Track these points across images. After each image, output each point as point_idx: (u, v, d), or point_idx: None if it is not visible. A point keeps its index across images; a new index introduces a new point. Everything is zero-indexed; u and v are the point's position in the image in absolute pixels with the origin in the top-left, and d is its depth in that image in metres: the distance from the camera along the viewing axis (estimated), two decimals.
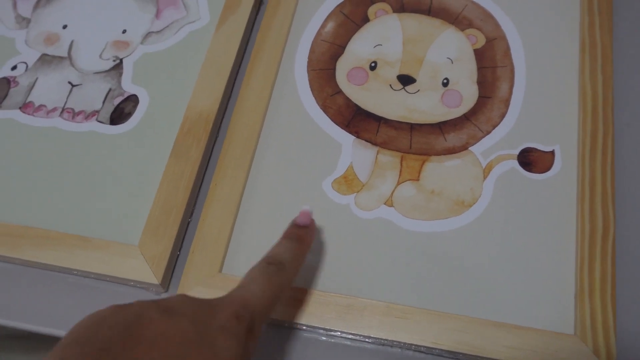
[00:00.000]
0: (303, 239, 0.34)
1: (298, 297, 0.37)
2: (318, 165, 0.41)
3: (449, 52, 0.45)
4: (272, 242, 0.34)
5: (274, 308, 0.31)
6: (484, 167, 0.40)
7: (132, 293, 0.39)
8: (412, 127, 0.42)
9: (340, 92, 0.44)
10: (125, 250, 0.39)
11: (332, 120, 0.43)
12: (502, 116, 0.42)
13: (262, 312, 0.30)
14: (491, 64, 0.44)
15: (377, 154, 0.41)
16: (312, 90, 0.44)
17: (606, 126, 0.41)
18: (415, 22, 0.47)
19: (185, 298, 0.29)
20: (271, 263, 0.32)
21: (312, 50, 0.46)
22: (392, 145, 0.42)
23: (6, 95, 0.47)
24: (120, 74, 0.47)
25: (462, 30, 0.46)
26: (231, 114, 0.44)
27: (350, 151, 0.41)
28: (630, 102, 0.43)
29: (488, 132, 0.41)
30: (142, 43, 0.48)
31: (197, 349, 0.26)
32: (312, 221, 0.35)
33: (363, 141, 0.42)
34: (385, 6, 0.48)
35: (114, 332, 0.26)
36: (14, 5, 0.51)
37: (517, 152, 0.41)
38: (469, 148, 0.41)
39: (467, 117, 0.42)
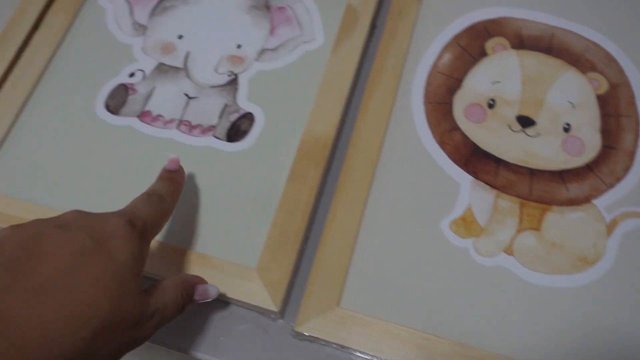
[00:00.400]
0: (175, 179, 0.39)
1: (410, 339, 0.37)
2: (435, 203, 0.42)
3: (570, 95, 0.45)
4: (393, 277, 0.38)
5: (161, 228, 0.36)
6: (607, 222, 0.40)
7: (246, 316, 0.40)
8: (532, 173, 0.42)
9: (457, 128, 0.45)
10: (243, 272, 0.40)
11: (450, 157, 0.43)
12: (627, 170, 0.42)
13: (151, 223, 0.34)
14: (615, 113, 0.44)
15: (496, 197, 0.42)
16: (429, 123, 0.45)
17: None
18: (535, 61, 0.47)
19: (78, 213, 0.32)
20: (151, 195, 0.36)
21: (428, 82, 0.47)
22: (512, 190, 0.42)
23: (125, 102, 0.48)
24: (236, 90, 0.48)
25: (584, 73, 0.46)
26: (347, 140, 0.45)
27: (469, 192, 0.42)
28: None
29: (612, 186, 0.41)
30: (257, 60, 0.49)
31: (95, 255, 0.29)
32: (181, 167, 0.40)
33: (482, 183, 0.42)
34: (504, 41, 0.48)
35: (14, 251, 0.28)
36: (131, 11, 0.52)
37: None
38: (592, 201, 0.41)
39: (589, 167, 0.42)
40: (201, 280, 0.37)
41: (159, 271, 0.40)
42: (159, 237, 0.42)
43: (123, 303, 0.29)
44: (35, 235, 0.29)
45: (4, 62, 0.49)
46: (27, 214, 0.43)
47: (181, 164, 0.41)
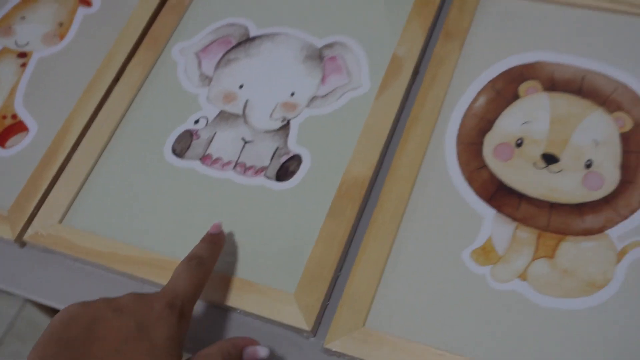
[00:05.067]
0: (215, 241, 0.50)
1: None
2: (459, 235, 0.53)
3: (595, 134, 0.55)
4: (415, 301, 0.50)
5: (200, 294, 0.47)
6: (618, 251, 0.50)
7: (283, 334, 0.52)
8: (552, 206, 0.53)
9: (485, 166, 0.56)
10: (283, 297, 0.53)
11: (476, 193, 0.55)
12: None
13: (190, 299, 0.45)
14: (636, 149, 0.54)
15: (516, 229, 0.53)
16: (459, 162, 0.57)
17: None
18: (565, 102, 0.57)
19: (131, 297, 0.44)
20: (192, 259, 0.48)
21: (462, 124, 0.58)
22: (531, 222, 0.53)
23: (189, 146, 0.63)
24: (287, 134, 0.62)
25: (611, 112, 0.56)
26: (384, 178, 0.57)
27: (491, 225, 0.53)
28: None
29: (626, 217, 0.51)
30: (307, 106, 0.63)
31: (137, 340, 0.41)
32: (222, 230, 0.52)
33: (504, 216, 0.53)
34: (537, 84, 0.59)
35: (79, 331, 0.41)
36: (199, 64, 0.67)
37: None
38: (606, 231, 0.51)
39: (606, 201, 0.52)
40: (250, 342, 0.46)
41: (211, 297, 0.54)
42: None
43: None
44: (95, 319, 0.42)
45: (89, 110, 0.66)
46: (107, 249, 0.58)
47: (235, 202, 0.55)
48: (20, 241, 0.61)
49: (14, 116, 0.68)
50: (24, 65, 0.72)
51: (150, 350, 0.41)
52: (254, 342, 0.46)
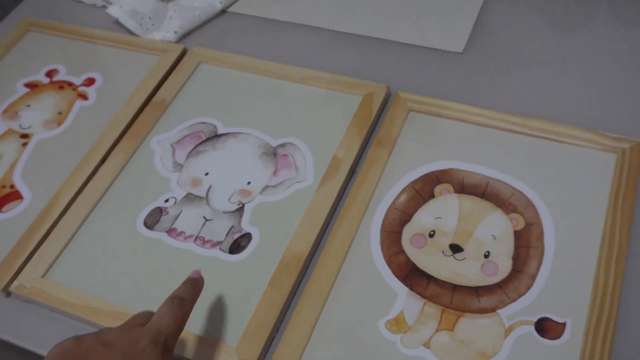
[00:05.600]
0: (195, 284, 0.50)
1: None
2: (377, 307, 0.56)
3: (493, 230, 0.59)
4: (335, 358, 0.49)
5: (182, 330, 0.46)
6: (506, 327, 0.53)
7: None
8: (455, 287, 0.56)
9: (403, 251, 0.59)
10: (226, 349, 0.55)
11: (393, 273, 0.58)
12: (528, 288, 0.55)
13: (173, 334, 0.45)
14: (526, 244, 0.58)
15: (424, 305, 0.55)
16: (382, 247, 0.60)
17: (611, 311, 0.53)
18: (471, 203, 0.61)
19: (119, 333, 0.43)
20: (174, 299, 0.47)
21: (386, 216, 0.62)
22: (437, 300, 0.55)
23: (158, 220, 0.65)
24: (241, 216, 0.64)
25: (507, 213, 0.60)
26: (319, 256, 0.60)
27: (404, 300, 0.56)
28: (634, 293, 0.55)
29: (514, 300, 0.55)
30: (260, 193, 0.66)
31: None
32: (201, 276, 0.51)
33: (415, 293, 0.56)
34: (449, 187, 0.63)
35: None
36: (173, 153, 0.71)
37: (535, 319, 0.53)
38: (497, 310, 0.54)
39: (499, 286, 0.56)
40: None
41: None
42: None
43: None
44: (86, 352, 0.42)
45: (77, 184, 0.68)
46: (79, 301, 0.60)
47: (194, 268, 0.57)
48: (6, 291, 0.62)
49: (12, 186, 0.70)
50: (24, 144, 0.74)
51: None
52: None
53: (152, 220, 0.65)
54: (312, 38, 0.80)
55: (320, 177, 0.65)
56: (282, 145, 0.69)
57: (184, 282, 0.51)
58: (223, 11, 0.85)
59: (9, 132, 0.76)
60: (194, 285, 0.51)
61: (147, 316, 0.48)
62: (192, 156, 0.69)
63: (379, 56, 0.76)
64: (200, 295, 0.53)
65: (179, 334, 0.46)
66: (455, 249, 0.58)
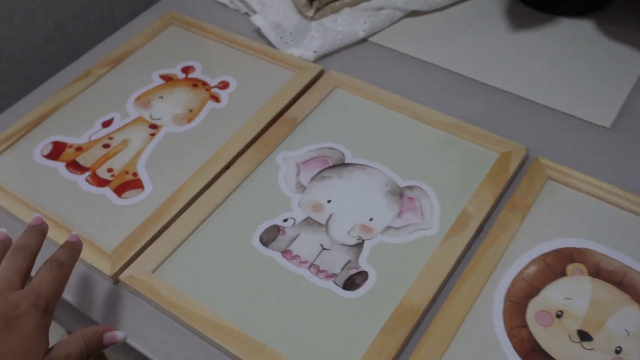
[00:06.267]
0: (74, 247, 0.50)
1: None
2: None
3: (628, 325, 0.55)
4: None
5: (62, 293, 0.47)
6: None
7: None
8: None
9: (526, 326, 0.56)
10: None
11: (514, 347, 0.54)
12: None
13: (53, 297, 0.46)
14: None
15: None
16: (504, 316, 0.56)
17: None
18: (606, 290, 0.57)
19: None
20: (53, 262, 0.48)
21: (512, 284, 0.59)
22: None
23: (275, 239, 0.64)
24: (360, 252, 0.62)
25: None
26: (435, 311, 0.57)
27: None
28: None
29: None
30: (382, 232, 0.64)
31: (6, 332, 0.42)
32: (79, 240, 0.51)
33: None
34: (583, 267, 0.59)
35: None
36: (298, 173, 0.69)
37: None
38: None
39: None
40: (108, 328, 0.47)
41: None
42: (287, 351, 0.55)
43: None
44: None
45: (199, 185, 0.68)
46: (189, 306, 0.59)
47: (304, 296, 0.55)
48: (115, 279, 0.62)
49: (135, 174, 0.71)
50: (152, 135, 0.74)
51: (21, 339, 0.42)
52: (112, 328, 0.47)
53: (269, 237, 0.63)
54: (450, 82, 0.78)
55: (446, 229, 0.62)
56: (410, 188, 0.66)
57: (62, 246, 0.51)
58: (364, 39, 0.83)
59: (139, 120, 0.76)
60: (73, 248, 0.51)
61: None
62: (316, 180, 0.68)
63: (520, 115, 0.74)
64: (309, 323, 0.51)
65: (59, 296, 0.47)
66: (584, 336, 0.54)
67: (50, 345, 0.44)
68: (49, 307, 0.45)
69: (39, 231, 0.51)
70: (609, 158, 0.69)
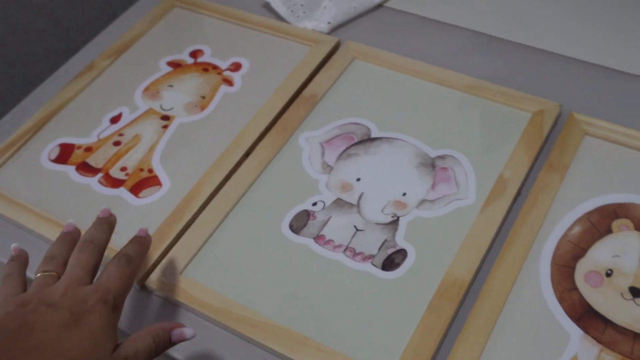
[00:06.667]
0: (142, 242, 0.54)
1: None
2: (548, 348, 0.55)
3: None
4: None
5: (130, 289, 0.50)
6: None
7: None
8: (635, 336, 0.55)
9: (576, 289, 0.59)
10: None
11: (566, 312, 0.57)
12: None
13: (121, 293, 0.48)
14: None
15: (600, 351, 0.55)
16: (552, 281, 0.59)
17: None
18: None
19: (62, 293, 0.47)
20: (121, 257, 0.51)
21: (557, 247, 0.61)
22: (615, 348, 0.55)
23: (305, 224, 0.67)
24: (396, 229, 0.65)
25: None
26: (481, 283, 0.60)
27: (577, 344, 0.55)
28: None
29: None
30: (417, 207, 0.67)
31: (75, 327, 0.44)
32: (148, 234, 0.55)
33: (590, 337, 0.56)
34: (629, 223, 0.62)
35: (17, 324, 0.44)
36: (322, 153, 0.72)
37: None
38: None
39: None
40: (176, 325, 0.50)
41: None
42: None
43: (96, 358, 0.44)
44: (30, 313, 0.45)
45: (219, 177, 0.70)
46: (222, 305, 0.61)
47: (342, 281, 0.58)
48: (141, 284, 0.64)
49: (150, 170, 0.73)
50: (165, 127, 0.77)
51: (90, 335, 0.44)
52: (180, 325, 0.50)
53: (299, 224, 0.66)
54: (473, 43, 0.80)
55: (483, 197, 0.65)
56: (442, 157, 0.69)
57: (132, 240, 0.54)
58: (379, 5, 0.85)
59: (150, 112, 0.79)
60: (142, 243, 0.54)
61: (69, 248, 0.52)
62: (342, 158, 0.71)
63: (549, 71, 0.76)
64: (351, 310, 0.53)
65: (127, 292, 0.49)
66: (637, 292, 0.57)
67: (118, 342, 0.46)
68: (118, 303, 0.48)
69: (107, 224, 0.54)
70: None
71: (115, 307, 0.47)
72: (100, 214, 0.55)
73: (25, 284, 0.50)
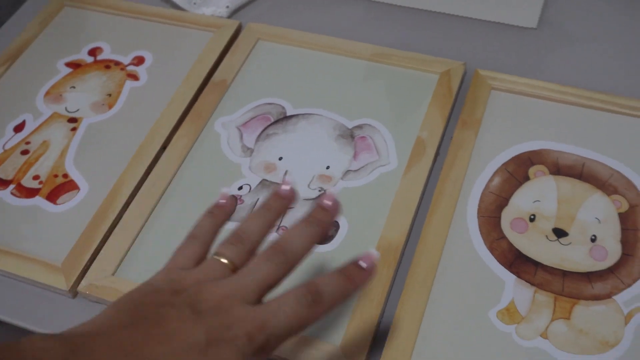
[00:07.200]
0: (354, 279, 0.38)
1: None
2: (485, 297, 0.57)
3: (597, 213, 0.61)
4: (449, 356, 0.53)
5: (296, 335, 0.36)
6: (625, 314, 0.55)
7: None
8: (564, 274, 0.58)
9: (504, 237, 0.61)
10: (328, 348, 0.56)
11: (498, 260, 0.59)
12: None
13: (278, 338, 0.35)
14: (633, 227, 0.60)
15: (535, 293, 0.57)
16: (481, 233, 0.61)
17: None
18: (569, 185, 0.63)
19: (216, 307, 0.35)
20: (310, 292, 0.37)
21: (481, 200, 0.63)
22: (548, 287, 0.57)
23: (234, 210, 0.66)
24: None
25: (608, 195, 0.62)
26: (414, 245, 0.61)
27: (512, 289, 0.57)
28: None
29: (629, 285, 0.56)
30: (342, 179, 0.67)
31: (201, 355, 0.33)
32: (374, 266, 0.40)
33: (523, 281, 0.58)
34: (544, 168, 0.65)
35: (151, 311, 0.34)
36: (241, 137, 0.71)
37: None
38: (613, 297, 0.56)
39: (611, 270, 0.57)
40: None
41: None
42: None
43: None
44: (164, 303, 0.35)
45: (138, 173, 0.68)
46: None
47: None
48: (73, 291, 0.62)
49: (65, 175, 0.71)
50: (74, 129, 0.74)
51: None
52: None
53: None
54: (372, 13, 0.81)
55: (405, 160, 0.66)
56: (359, 127, 0.70)
57: (333, 274, 0.39)
58: None
59: (55, 116, 0.76)
60: (353, 280, 0.39)
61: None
62: (262, 139, 0.70)
63: (450, 33, 0.78)
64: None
65: (290, 337, 0.36)
66: (560, 233, 0.59)
67: None
68: (268, 347, 0.35)
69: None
70: (543, 57, 0.74)
71: (262, 350, 0.35)
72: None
73: (205, 253, 0.41)
